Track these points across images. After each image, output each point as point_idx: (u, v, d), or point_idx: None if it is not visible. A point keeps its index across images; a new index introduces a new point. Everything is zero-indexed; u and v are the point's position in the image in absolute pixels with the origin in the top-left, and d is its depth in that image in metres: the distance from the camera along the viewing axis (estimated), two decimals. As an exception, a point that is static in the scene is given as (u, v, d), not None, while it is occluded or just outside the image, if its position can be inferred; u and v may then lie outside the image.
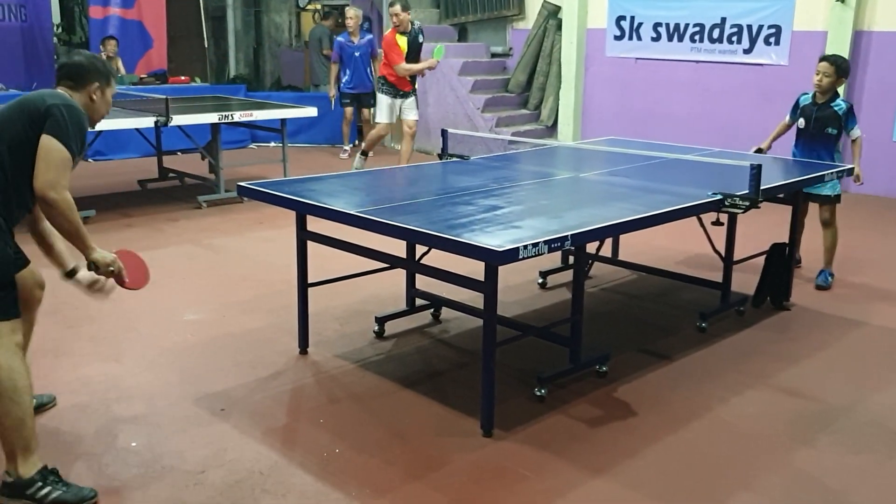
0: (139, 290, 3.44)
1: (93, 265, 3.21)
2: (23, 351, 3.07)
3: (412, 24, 8.82)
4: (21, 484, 3.00)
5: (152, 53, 12.58)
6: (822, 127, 5.65)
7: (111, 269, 3.24)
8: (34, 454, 3.02)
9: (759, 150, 5.94)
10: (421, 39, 8.85)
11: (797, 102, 5.84)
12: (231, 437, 3.54)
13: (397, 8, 8.58)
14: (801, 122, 5.76)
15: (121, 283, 3.32)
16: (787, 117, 5.91)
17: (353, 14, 10.56)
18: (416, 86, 9.10)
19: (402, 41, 8.76)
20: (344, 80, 10.75)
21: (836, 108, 5.61)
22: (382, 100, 8.99)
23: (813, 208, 5.82)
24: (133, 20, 12.39)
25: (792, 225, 5.37)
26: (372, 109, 10.76)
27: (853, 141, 5.69)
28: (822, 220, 5.76)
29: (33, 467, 3.01)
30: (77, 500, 3.03)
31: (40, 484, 3.01)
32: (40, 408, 3.67)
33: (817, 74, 5.62)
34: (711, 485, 3.26)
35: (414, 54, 8.84)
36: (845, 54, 8.79)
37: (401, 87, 8.93)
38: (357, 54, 10.59)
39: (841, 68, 5.61)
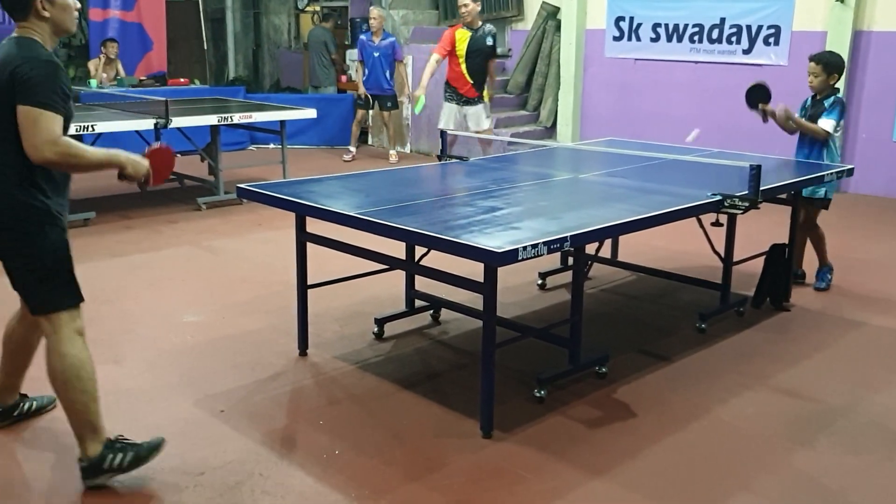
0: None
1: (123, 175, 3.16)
2: (83, 337, 3.10)
3: (484, 24, 8.33)
4: (95, 462, 3.10)
5: (152, 55, 12.58)
6: (815, 122, 5.57)
7: (141, 170, 3.19)
8: (101, 433, 3.12)
9: (767, 113, 5.71)
10: (489, 42, 8.26)
11: (803, 105, 5.73)
12: (231, 438, 3.54)
13: None
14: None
15: (147, 183, 3.28)
16: (832, 122, 5.58)
17: (376, 14, 10.42)
18: (487, 91, 8.50)
19: (462, 37, 8.21)
20: (364, 81, 10.59)
21: (824, 103, 5.51)
22: (444, 106, 8.58)
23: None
24: (133, 22, 12.40)
25: (792, 225, 5.36)
26: (389, 113, 10.73)
27: (816, 129, 5.47)
28: (808, 224, 5.63)
29: (100, 444, 3.11)
30: (149, 451, 3.17)
31: (111, 455, 3.11)
32: (40, 410, 3.69)
33: (809, 76, 5.57)
34: (710, 485, 3.26)
35: (477, 57, 8.25)
36: (845, 54, 8.79)
37: (462, 92, 8.39)
38: (376, 55, 10.43)
39: (830, 64, 5.48)
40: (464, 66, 8.32)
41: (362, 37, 10.63)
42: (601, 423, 3.76)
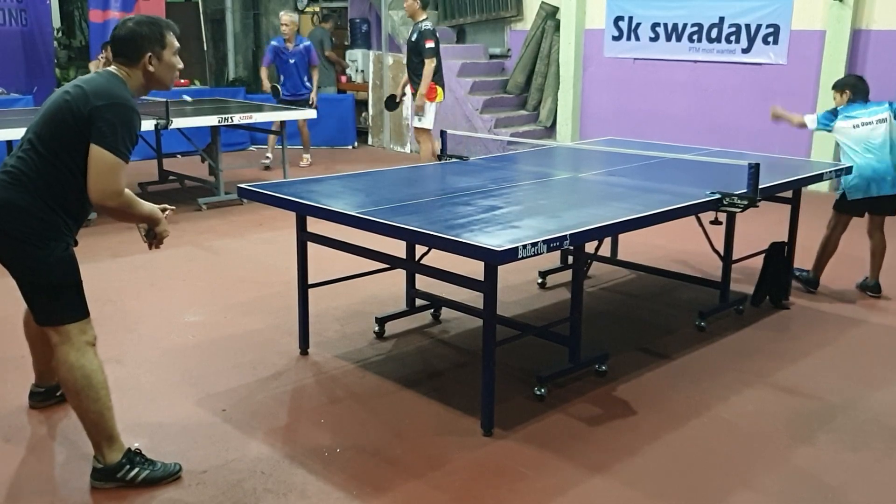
0: None
1: (151, 232, 3.30)
2: (94, 347, 3.14)
3: (423, 20, 8.40)
4: (110, 469, 3.13)
5: (152, 56, 12.58)
6: None
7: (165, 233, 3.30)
8: (118, 441, 3.15)
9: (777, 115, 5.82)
10: (413, 38, 8.35)
11: (836, 112, 5.63)
12: (232, 437, 3.56)
13: None
14: None
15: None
16: (815, 119, 5.69)
17: (287, 20, 10.12)
18: (421, 90, 8.50)
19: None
20: (281, 89, 10.32)
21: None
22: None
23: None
24: (132, 24, 12.39)
25: (791, 224, 5.37)
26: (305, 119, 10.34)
27: (803, 121, 5.66)
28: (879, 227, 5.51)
29: (119, 452, 3.14)
30: (164, 475, 3.19)
31: (128, 466, 3.14)
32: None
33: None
34: (711, 482, 3.28)
35: (407, 52, 8.53)
36: (843, 53, 8.82)
37: (409, 89, 8.70)
38: (292, 61, 10.13)
39: (837, 87, 5.65)
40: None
41: (274, 43, 10.26)
42: (601, 420, 3.77)
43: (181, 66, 3.25)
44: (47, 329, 3.10)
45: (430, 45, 8.20)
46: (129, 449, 3.19)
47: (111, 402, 3.14)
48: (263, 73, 10.32)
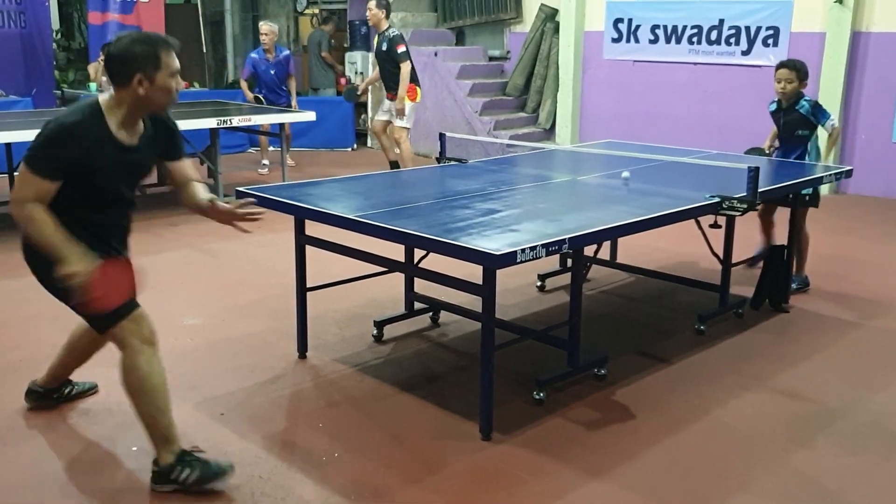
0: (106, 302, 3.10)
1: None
2: (152, 345, 3.18)
3: (388, 28, 8.53)
4: (165, 471, 3.15)
5: (152, 58, 12.59)
6: (792, 131, 5.64)
7: (71, 282, 2.96)
8: (173, 443, 3.16)
9: (757, 150, 5.86)
10: (384, 47, 8.46)
11: (770, 111, 5.79)
12: (230, 441, 3.55)
13: (371, 3, 8.49)
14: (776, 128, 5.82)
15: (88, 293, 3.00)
16: (831, 124, 5.68)
17: (267, 30, 9.97)
18: (399, 94, 8.58)
19: (375, 40, 8.69)
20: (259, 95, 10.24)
21: (800, 110, 5.56)
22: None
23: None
24: (132, 25, 12.40)
25: (791, 227, 5.37)
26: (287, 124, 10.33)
27: (830, 134, 5.62)
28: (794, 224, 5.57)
29: (172, 454, 3.15)
30: (215, 474, 3.16)
31: (179, 468, 3.13)
32: (81, 394, 3.89)
33: (779, 83, 5.57)
34: (710, 486, 3.27)
35: (378, 59, 8.65)
36: (844, 55, 8.83)
37: (387, 96, 8.80)
38: (272, 72, 10.02)
39: (801, 72, 5.56)
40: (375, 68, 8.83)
41: (254, 55, 10.11)
42: (600, 424, 3.77)
43: (180, 87, 3.14)
44: (108, 337, 3.20)
45: (401, 49, 8.44)
46: (183, 450, 3.18)
47: (168, 403, 3.16)
48: (243, 85, 10.20)
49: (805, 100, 5.60)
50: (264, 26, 10.07)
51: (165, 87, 3.03)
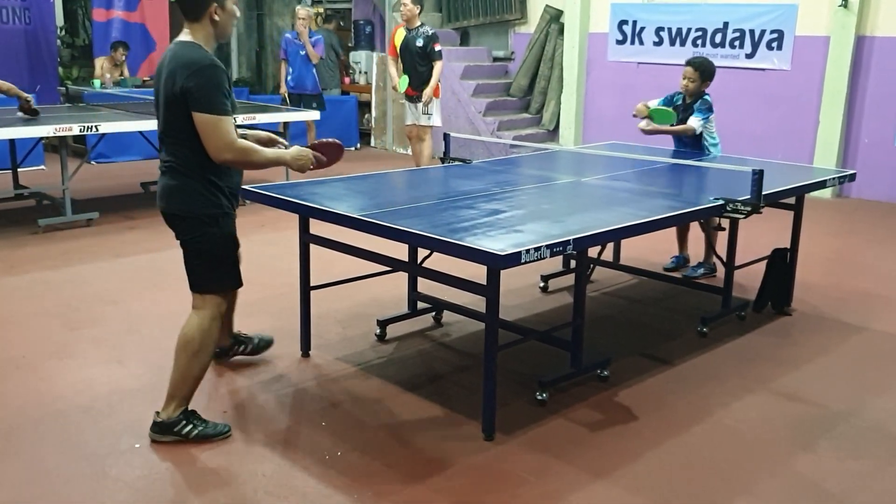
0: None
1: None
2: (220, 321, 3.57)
3: (421, 24, 8.51)
4: (169, 423, 3.48)
5: (155, 56, 12.59)
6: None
7: (306, 165, 3.58)
8: (186, 403, 3.52)
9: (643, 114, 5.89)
10: (419, 44, 8.40)
11: (671, 99, 5.89)
12: (233, 439, 3.55)
13: None
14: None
15: (321, 164, 3.71)
16: (657, 103, 5.88)
17: (304, 14, 10.35)
18: (428, 91, 8.50)
19: (399, 36, 8.58)
20: (287, 80, 10.45)
21: (693, 105, 5.70)
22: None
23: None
24: (136, 23, 12.42)
25: (794, 230, 5.37)
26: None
27: (682, 123, 5.70)
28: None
29: (181, 411, 3.50)
30: (216, 433, 3.53)
31: (185, 422, 3.49)
32: (257, 350, 4.31)
33: (683, 79, 5.71)
34: (712, 489, 3.27)
35: (406, 55, 8.51)
36: (847, 59, 8.82)
37: (408, 92, 8.69)
38: (302, 53, 10.28)
39: (706, 72, 5.68)
40: (399, 65, 8.70)
41: (288, 35, 10.54)
42: (603, 426, 3.77)
43: (238, 14, 3.51)
44: (194, 294, 3.49)
45: (438, 47, 8.44)
46: (186, 408, 3.51)
47: (205, 373, 3.55)
48: (283, 66, 10.50)
49: (704, 98, 5.72)
50: (301, 10, 10.46)
51: (232, 12, 3.41)
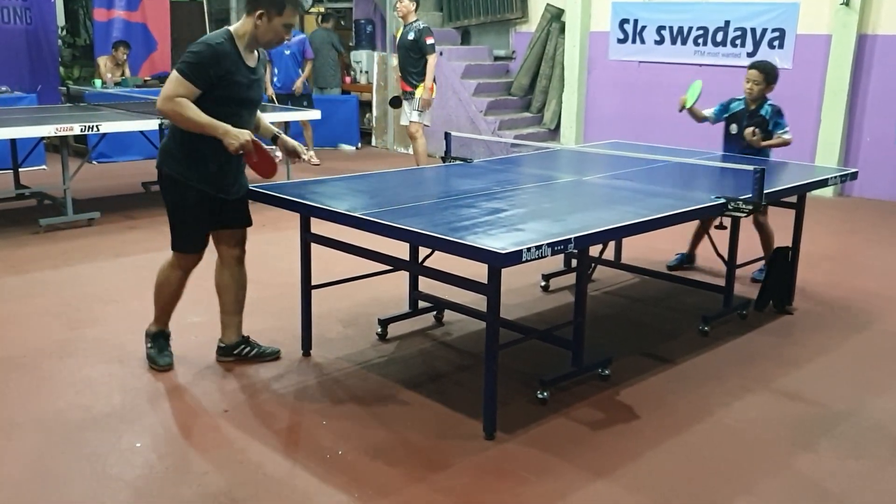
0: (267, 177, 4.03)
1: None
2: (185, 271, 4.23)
3: (416, 20, 8.51)
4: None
5: (156, 56, 12.62)
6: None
7: (235, 145, 3.76)
8: (158, 324, 4.29)
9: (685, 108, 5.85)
10: (411, 37, 8.40)
11: (728, 106, 5.84)
12: (234, 438, 3.55)
13: None
14: (734, 127, 5.79)
15: (249, 158, 3.88)
16: (712, 113, 5.88)
17: None
18: (420, 87, 8.59)
19: (397, 32, 8.61)
20: (273, 81, 10.43)
21: (763, 114, 5.64)
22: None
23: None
24: (137, 23, 12.43)
25: (796, 228, 5.36)
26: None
27: (780, 136, 5.66)
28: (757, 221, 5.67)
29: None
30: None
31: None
32: (259, 356, 4.36)
33: (747, 82, 5.67)
34: (713, 488, 3.27)
35: (402, 51, 8.51)
36: (849, 58, 8.82)
37: (401, 85, 8.73)
38: (287, 52, 10.24)
39: (770, 75, 5.65)
40: (396, 60, 8.72)
41: None
42: (604, 425, 3.76)
43: (286, 38, 3.89)
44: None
45: (430, 41, 8.41)
46: (163, 330, 4.28)
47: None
48: (267, 66, 10.36)
49: (770, 104, 5.68)
50: None
51: (276, 31, 3.81)
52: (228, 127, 3.73)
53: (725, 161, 5.36)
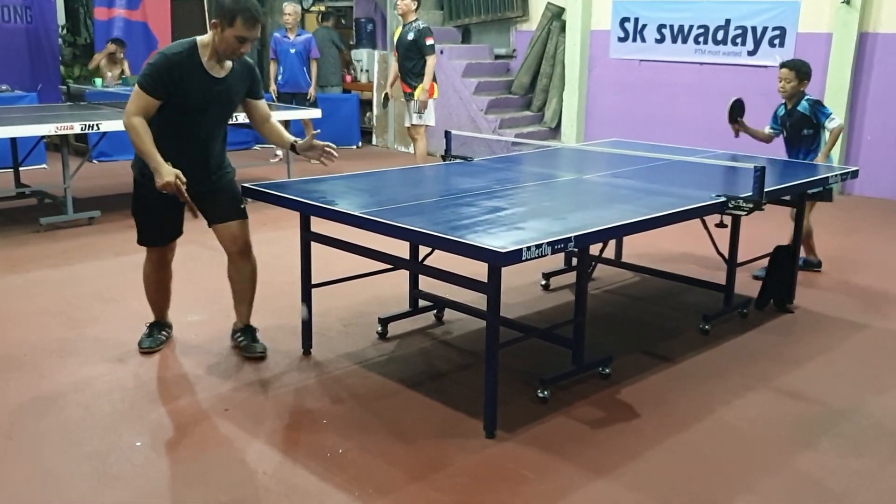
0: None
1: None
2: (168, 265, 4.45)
3: (416, 20, 8.45)
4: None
5: (157, 55, 12.60)
6: (798, 131, 5.83)
7: (165, 186, 3.85)
8: (155, 316, 4.51)
9: (735, 122, 5.95)
10: (410, 37, 8.33)
11: (776, 115, 5.99)
12: (235, 437, 3.55)
13: None
14: (785, 132, 5.94)
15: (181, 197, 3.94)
16: (768, 128, 6.06)
17: (291, 10, 10.33)
18: (419, 88, 8.53)
19: (396, 31, 8.57)
20: (278, 80, 10.46)
21: (801, 110, 5.75)
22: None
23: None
24: (138, 21, 12.43)
25: (796, 227, 5.36)
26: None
27: (830, 131, 5.71)
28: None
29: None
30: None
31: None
32: (247, 350, 4.39)
33: (780, 81, 5.79)
34: (713, 487, 3.26)
35: (401, 50, 8.45)
36: (850, 56, 8.80)
37: (402, 89, 8.73)
38: (292, 51, 10.27)
39: (801, 72, 5.75)
40: (395, 60, 8.67)
41: (276, 34, 10.50)
42: (604, 423, 3.76)
43: (242, 51, 3.89)
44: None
45: (430, 41, 8.34)
46: (159, 322, 4.53)
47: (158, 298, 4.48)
48: (272, 66, 10.49)
49: (805, 99, 5.76)
50: (287, 6, 10.41)
51: (228, 43, 3.83)
52: (159, 164, 3.82)
53: (739, 161, 5.34)
